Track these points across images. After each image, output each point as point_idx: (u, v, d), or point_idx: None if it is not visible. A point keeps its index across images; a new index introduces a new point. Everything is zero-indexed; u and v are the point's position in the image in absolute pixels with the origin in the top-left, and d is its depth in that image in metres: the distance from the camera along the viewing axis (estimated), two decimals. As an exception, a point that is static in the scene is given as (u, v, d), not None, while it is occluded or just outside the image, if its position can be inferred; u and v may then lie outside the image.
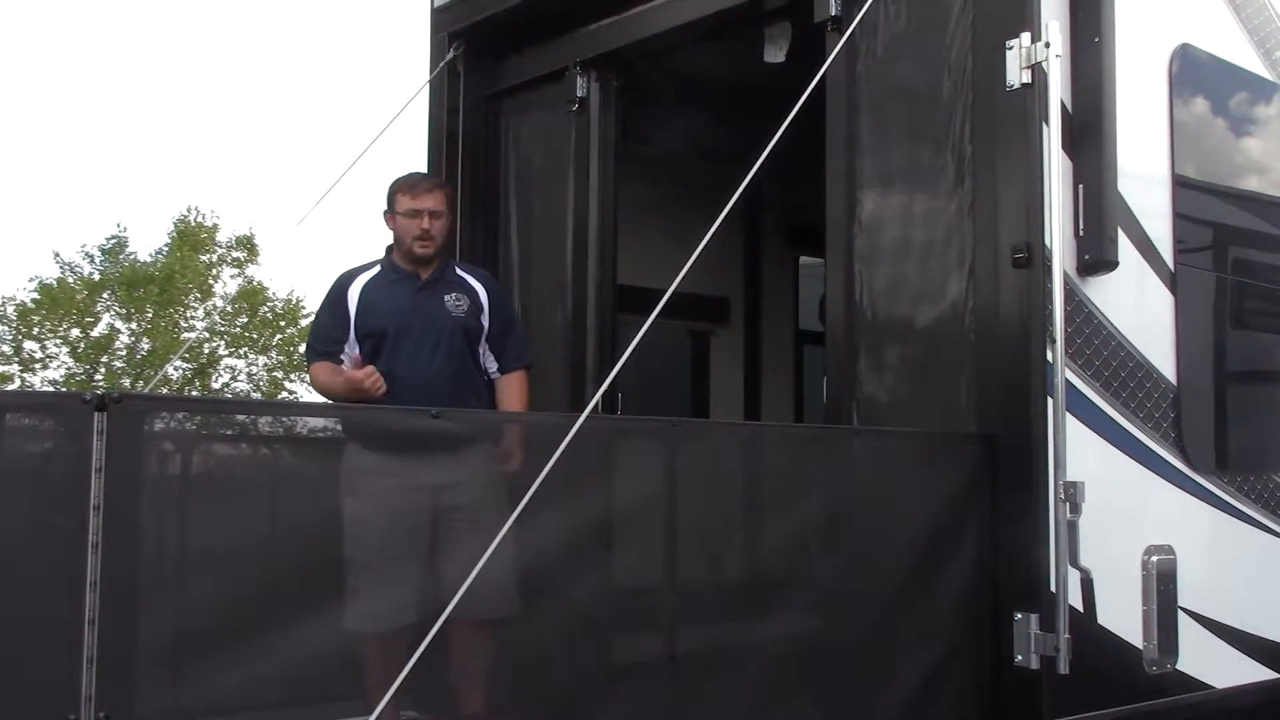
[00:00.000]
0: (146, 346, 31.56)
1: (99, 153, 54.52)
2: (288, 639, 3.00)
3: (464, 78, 6.39)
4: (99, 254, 32.49)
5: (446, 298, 4.74)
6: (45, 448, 2.82)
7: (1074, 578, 4.00)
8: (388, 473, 3.67)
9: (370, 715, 2.88)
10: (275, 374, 33.79)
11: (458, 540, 3.72)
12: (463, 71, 6.38)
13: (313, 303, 34.16)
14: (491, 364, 4.87)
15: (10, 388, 28.61)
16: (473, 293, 4.81)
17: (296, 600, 3.07)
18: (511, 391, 4.88)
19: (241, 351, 33.57)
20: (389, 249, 4.88)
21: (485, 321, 4.81)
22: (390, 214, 4.84)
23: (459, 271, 4.90)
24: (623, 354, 3.81)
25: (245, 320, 33.19)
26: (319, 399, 4.72)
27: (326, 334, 4.78)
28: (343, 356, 4.71)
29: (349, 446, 3.56)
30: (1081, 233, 4.32)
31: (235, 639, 2.92)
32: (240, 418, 3.49)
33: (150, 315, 32.05)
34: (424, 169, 6.32)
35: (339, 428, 3.59)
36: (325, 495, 3.38)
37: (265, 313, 33.43)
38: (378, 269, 4.82)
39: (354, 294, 4.73)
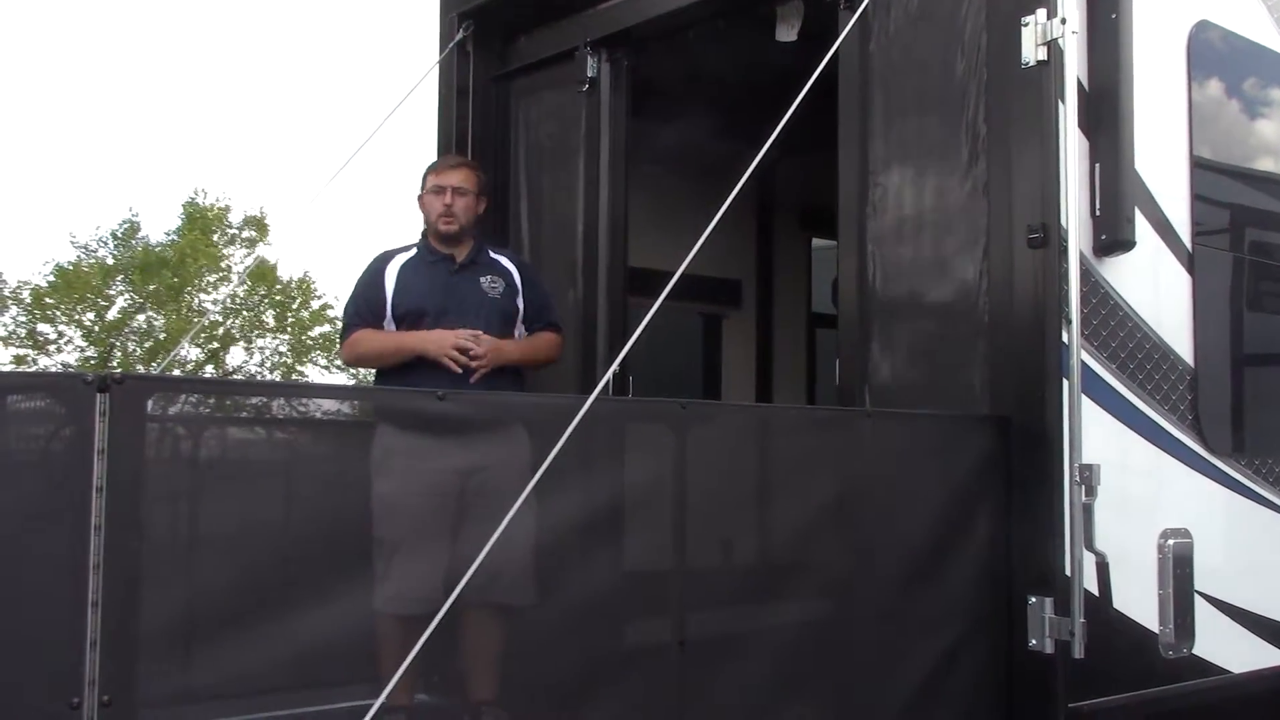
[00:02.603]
0: (160, 322, 31.63)
1: (111, 137, 54.57)
2: (294, 622, 2.98)
3: (473, 58, 6.34)
4: (111, 239, 32.62)
5: (482, 280, 4.75)
6: (47, 429, 2.80)
7: (1089, 561, 3.96)
8: (413, 454, 3.62)
9: (381, 694, 2.86)
10: (281, 350, 33.84)
11: (475, 524, 3.68)
12: (472, 52, 6.33)
13: (324, 284, 34.21)
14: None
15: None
16: (507, 274, 4.82)
17: (302, 583, 3.05)
18: (535, 338, 4.84)
19: (251, 336, 33.61)
20: (424, 233, 4.88)
21: (520, 304, 4.81)
22: (420, 195, 4.86)
23: (492, 254, 4.91)
24: (633, 337, 3.78)
25: (259, 299, 33.19)
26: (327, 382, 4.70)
27: (366, 306, 4.71)
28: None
29: (380, 427, 3.52)
30: (1098, 212, 4.27)
31: (240, 621, 2.90)
32: (245, 399, 3.46)
33: (164, 300, 32.12)
34: (434, 151, 6.29)
35: (347, 409, 3.57)
36: (331, 477, 3.35)
37: (271, 294, 33.40)
38: (414, 251, 4.82)
39: (391, 274, 4.72)
